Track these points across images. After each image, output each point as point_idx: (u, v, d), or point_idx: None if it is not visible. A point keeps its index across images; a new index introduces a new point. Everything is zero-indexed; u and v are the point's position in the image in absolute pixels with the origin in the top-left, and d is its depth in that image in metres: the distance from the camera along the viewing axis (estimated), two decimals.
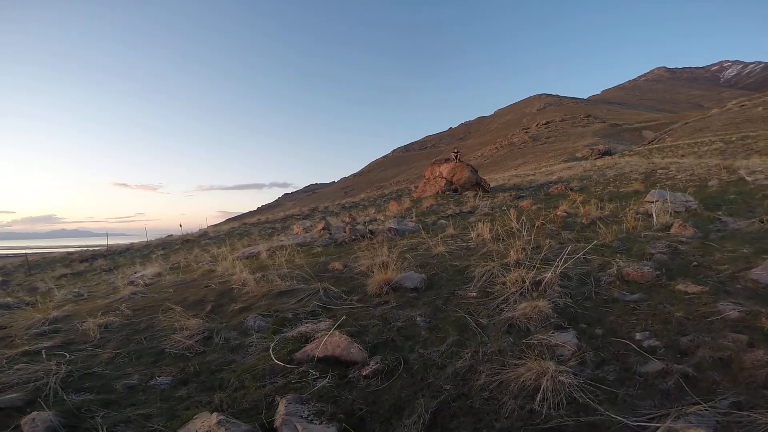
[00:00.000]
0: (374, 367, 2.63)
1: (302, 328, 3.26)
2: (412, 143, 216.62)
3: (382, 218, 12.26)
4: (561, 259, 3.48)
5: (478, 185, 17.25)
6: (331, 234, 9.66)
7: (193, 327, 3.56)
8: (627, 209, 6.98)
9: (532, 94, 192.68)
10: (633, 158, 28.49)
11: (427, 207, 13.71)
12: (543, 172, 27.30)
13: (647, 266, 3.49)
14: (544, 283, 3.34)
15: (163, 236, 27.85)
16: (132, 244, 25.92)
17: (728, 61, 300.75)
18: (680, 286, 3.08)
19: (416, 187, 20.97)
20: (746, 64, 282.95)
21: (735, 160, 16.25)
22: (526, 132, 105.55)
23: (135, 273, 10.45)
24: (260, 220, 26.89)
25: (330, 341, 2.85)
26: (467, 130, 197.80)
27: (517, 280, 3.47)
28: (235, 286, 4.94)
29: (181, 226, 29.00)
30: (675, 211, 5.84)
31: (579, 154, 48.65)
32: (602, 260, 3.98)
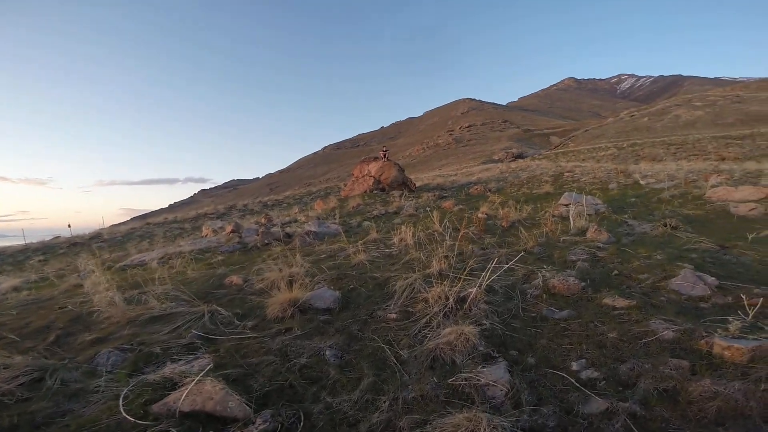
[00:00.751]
0: (261, 427, 1.95)
1: (168, 370, 2.43)
2: (344, 141, 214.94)
3: (304, 219, 11.42)
4: (487, 272, 3.10)
5: (405, 185, 17.17)
6: (241, 237, 8.61)
7: (18, 365, 2.57)
8: (544, 212, 7.10)
9: (458, 98, 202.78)
10: (542, 162, 31.03)
11: (353, 207, 13.16)
12: (464, 173, 28.43)
13: (572, 277, 3.28)
14: (469, 300, 2.93)
15: (49, 238, 23.42)
16: (6, 247, 21.32)
17: (625, 74, 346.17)
18: (607, 300, 2.87)
19: (345, 185, 20.33)
20: (639, 78, 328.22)
21: (627, 164, 18.26)
22: (451, 134, 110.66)
23: None
24: (167, 219, 23.97)
25: (200, 391, 2.10)
26: (398, 129, 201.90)
27: (440, 297, 3.03)
28: (97, 308, 3.86)
29: (69, 226, 24.55)
30: (587, 214, 6.00)
31: (496, 157, 52.05)
32: (526, 269, 3.74)
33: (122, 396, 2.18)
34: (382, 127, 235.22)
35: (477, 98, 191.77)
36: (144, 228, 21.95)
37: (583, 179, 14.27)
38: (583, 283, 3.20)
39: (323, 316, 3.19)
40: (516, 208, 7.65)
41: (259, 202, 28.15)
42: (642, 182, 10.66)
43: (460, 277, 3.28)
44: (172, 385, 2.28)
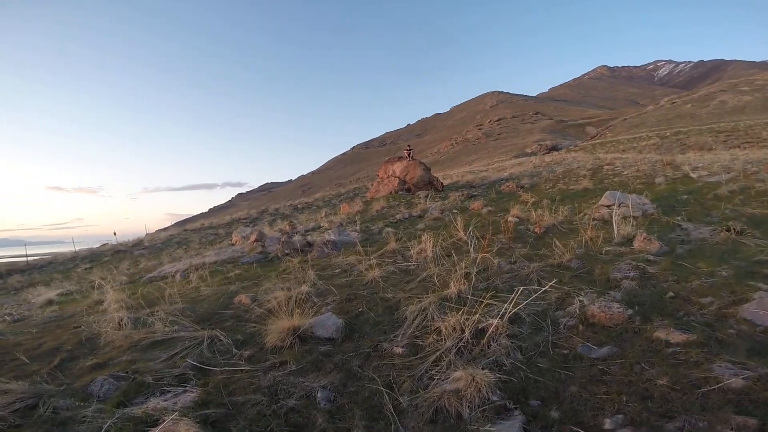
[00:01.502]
0: None
1: (152, 404, 2.32)
2: (371, 140, 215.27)
3: (327, 225, 11.23)
4: (512, 299, 2.67)
5: (431, 184, 16.66)
6: (264, 247, 8.51)
7: (15, 391, 2.58)
8: (582, 214, 6.46)
9: (485, 92, 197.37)
10: (579, 153, 29.37)
11: (377, 210, 12.85)
12: (495, 168, 27.41)
13: (616, 303, 2.77)
14: (488, 334, 2.52)
15: (97, 245, 24.91)
16: (56, 255, 22.83)
17: (662, 61, 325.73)
18: (660, 333, 2.36)
19: (372, 186, 20.07)
20: (677, 64, 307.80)
21: (674, 155, 16.79)
22: (480, 128, 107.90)
23: (38, 296, 8.88)
24: (204, 225, 24.73)
25: None
26: (424, 126, 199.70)
27: (455, 328, 2.64)
28: (105, 330, 3.80)
29: (115, 234, 25.98)
30: (633, 217, 5.33)
31: (529, 150, 50.04)
32: (561, 291, 3.23)
33: (104, 429, 2.10)
34: (409, 124, 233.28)
35: (505, 91, 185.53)
36: (182, 234, 22.75)
37: (625, 173, 13.17)
38: (629, 311, 2.68)
39: (324, 347, 2.89)
40: (551, 209, 7.02)
41: (290, 205, 28.47)
42: (693, 175, 9.58)
43: (481, 301, 2.88)
44: (153, 421, 2.16)
